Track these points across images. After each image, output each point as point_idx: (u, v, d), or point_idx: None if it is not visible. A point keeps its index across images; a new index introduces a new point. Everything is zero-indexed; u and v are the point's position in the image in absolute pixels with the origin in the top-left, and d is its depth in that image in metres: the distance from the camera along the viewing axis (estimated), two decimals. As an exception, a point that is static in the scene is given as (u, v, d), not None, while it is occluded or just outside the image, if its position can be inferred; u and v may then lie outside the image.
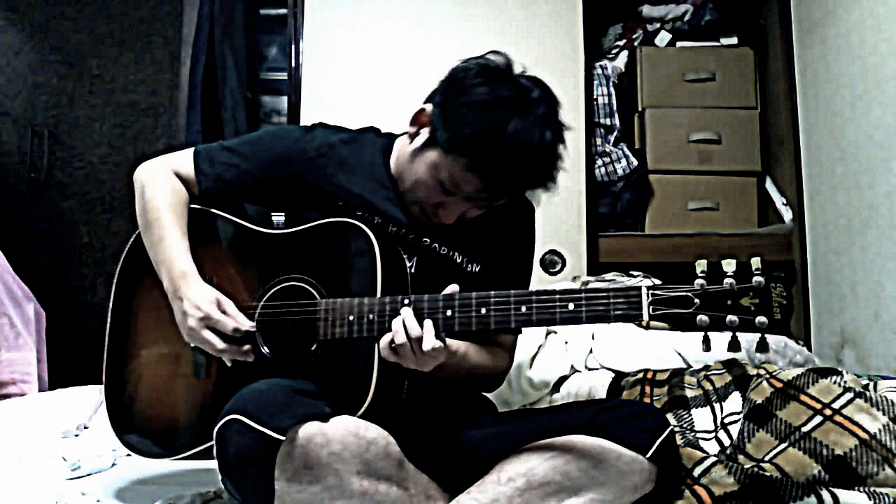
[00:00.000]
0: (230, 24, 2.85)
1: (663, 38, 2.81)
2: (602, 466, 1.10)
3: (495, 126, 1.16)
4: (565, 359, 1.86)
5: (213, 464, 1.61)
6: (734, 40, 2.80)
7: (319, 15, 2.64)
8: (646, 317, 1.03)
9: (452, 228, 1.31)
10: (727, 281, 1.01)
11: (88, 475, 1.60)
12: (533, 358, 1.88)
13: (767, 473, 1.24)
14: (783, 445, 1.30)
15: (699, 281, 1.02)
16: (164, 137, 3.03)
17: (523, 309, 1.09)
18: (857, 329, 2.17)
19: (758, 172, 2.71)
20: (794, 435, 1.29)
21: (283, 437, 0.99)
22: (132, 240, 1.44)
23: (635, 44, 2.83)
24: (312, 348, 1.21)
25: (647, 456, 1.11)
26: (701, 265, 1.03)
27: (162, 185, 1.34)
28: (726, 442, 1.45)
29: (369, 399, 1.14)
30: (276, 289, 1.28)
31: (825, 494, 1.20)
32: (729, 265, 1.02)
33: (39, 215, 2.96)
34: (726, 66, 2.74)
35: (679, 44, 2.80)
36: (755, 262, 1.02)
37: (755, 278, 1.01)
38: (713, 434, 1.49)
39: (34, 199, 2.96)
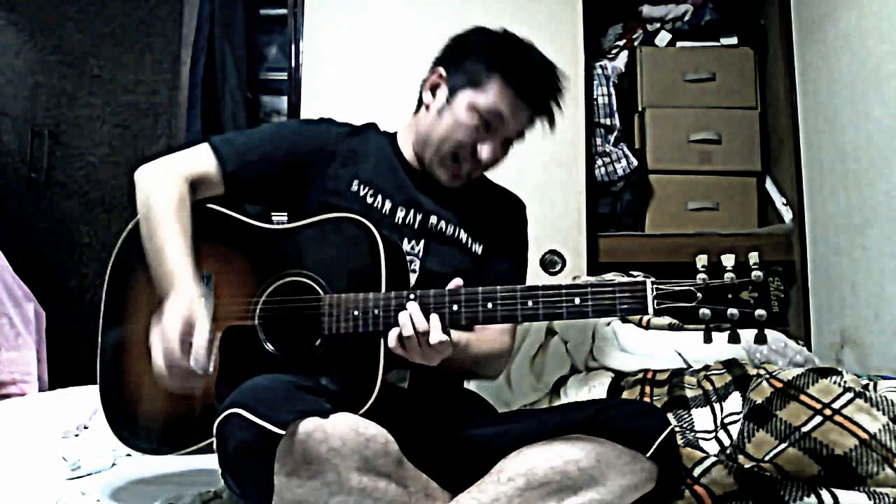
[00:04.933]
0: (230, 24, 2.85)
1: (663, 38, 2.81)
2: (602, 466, 1.10)
3: (519, 51, 1.41)
4: (565, 359, 1.86)
5: (212, 464, 1.61)
6: (734, 40, 2.80)
7: (319, 15, 2.64)
8: (650, 310, 1.06)
9: (458, 208, 1.40)
10: (727, 275, 1.05)
11: (88, 475, 1.60)
12: (533, 358, 1.88)
13: (767, 473, 1.24)
14: (783, 445, 1.30)
15: (701, 276, 1.06)
16: (164, 137, 3.03)
17: (529, 303, 1.11)
18: (857, 329, 2.17)
19: (758, 172, 2.71)
20: (794, 435, 1.29)
21: (284, 432, 0.99)
22: (125, 234, 1.41)
23: (635, 44, 2.83)
24: (317, 343, 1.21)
25: (648, 455, 1.11)
26: (701, 260, 1.07)
27: (166, 191, 1.30)
28: (726, 442, 1.45)
29: (375, 393, 1.14)
30: (277, 284, 1.27)
31: (825, 494, 1.20)
32: (728, 260, 1.06)
33: (39, 215, 2.96)
34: (726, 66, 2.74)
35: (679, 44, 2.80)
36: (753, 256, 1.06)
37: (754, 273, 1.04)
38: (713, 434, 1.49)
39: (34, 199, 2.96)
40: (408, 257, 1.35)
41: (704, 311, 1.04)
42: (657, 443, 1.12)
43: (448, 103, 1.36)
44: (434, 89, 1.41)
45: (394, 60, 2.59)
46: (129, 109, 3.03)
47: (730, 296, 1.04)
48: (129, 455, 1.76)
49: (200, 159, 1.36)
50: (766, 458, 1.31)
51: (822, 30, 2.36)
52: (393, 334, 1.14)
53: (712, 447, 1.45)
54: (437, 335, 1.11)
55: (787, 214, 2.60)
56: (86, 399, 2.05)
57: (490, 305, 1.13)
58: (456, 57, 1.41)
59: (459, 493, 1.14)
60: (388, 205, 1.37)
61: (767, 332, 1.88)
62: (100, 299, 1.43)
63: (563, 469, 1.10)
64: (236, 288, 1.28)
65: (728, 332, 1.06)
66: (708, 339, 1.07)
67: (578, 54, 2.61)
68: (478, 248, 1.42)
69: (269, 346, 1.24)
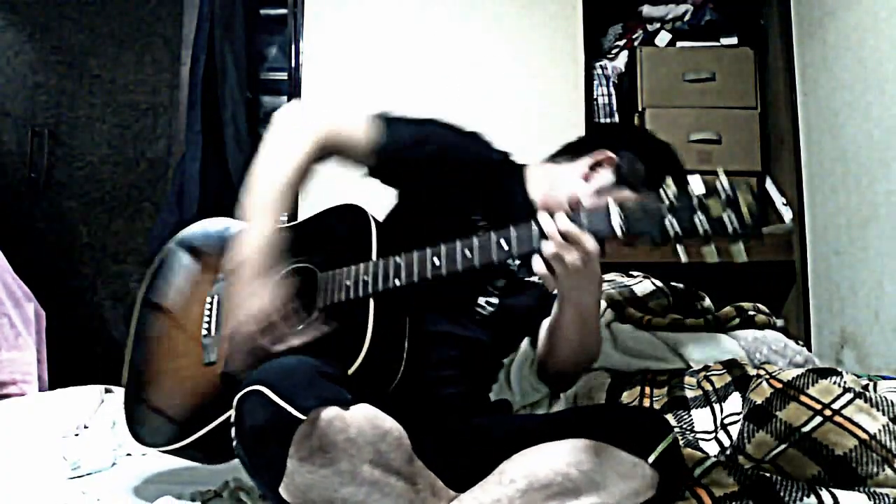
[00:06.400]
0: (230, 24, 2.85)
1: (663, 38, 2.81)
2: (603, 470, 1.09)
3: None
4: (565, 359, 1.86)
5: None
6: (734, 40, 2.79)
7: (319, 15, 2.64)
8: (619, 232, 1.03)
9: None
10: (694, 190, 0.99)
11: (88, 475, 1.60)
12: (534, 358, 1.88)
13: (767, 474, 1.24)
14: (783, 446, 1.30)
15: (669, 191, 1.01)
16: (163, 137, 3.03)
17: (503, 244, 1.12)
18: (857, 329, 2.17)
19: (758, 172, 2.70)
20: (794, 435, 1.29)
21: (304, 417, 1.00)
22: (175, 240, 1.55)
23: (635, 44, 2.83)
24: (312, 317, 1.24)
25: (650, 462, 1.10)
26: (669, 186, 1.01)
27: (295, 149, 1.27)
28: (726, 443, 1.45)
29: (362, 355, 1.15)
30: (281, 274, 1.30)
31: (825, 495, 1.20)
32: (696, 182, 1.00)
33: (39, 215, 2.96)
34: (726, 66, 2.73)
35: (679, 44, 2.79)
36: (720, 171, 1.00)
37: (719, 182, 0.99)
38: (713, 435, 1.49)
39: (34, 199, 2.96)
40: (491, 291, 1.37)
41: (671, 220, 0.99)
42: (659, 450, 1.11)
43: (609, 190, 1.32)
44: (597, 167, 1.38)
45: (393, 60, 2.59)
46: (129, 109, 3.04)
47: (698, 211, 0.98)
48: (129, 455, 1.76)
49: (359, 125, 1.33)
50: (766, 458, 1.31)
51: (822, 30, 2.36)
52: (538, 261, 1.09)
53: (712, 448, 1.45)
54: (590, 240, 1.05)
55: (787, 214, 2.59)
56: (86, 399, 2.05)
57: (468, 253, 1.14)
58: (630, 155, 1.36)
59: (463, 490, 1.14)
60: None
61: (767, 332, 1.90)
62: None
63: (564, 472, 1.09)
64: None
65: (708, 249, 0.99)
66: (685, 258, 1.00)
67: (578, 54, 2.61)
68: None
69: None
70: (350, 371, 1.14)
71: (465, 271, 1.15)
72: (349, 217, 1.31)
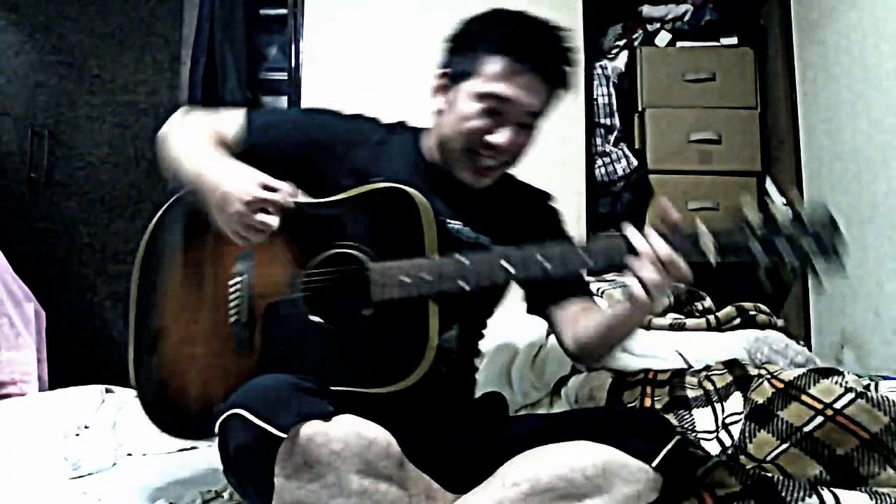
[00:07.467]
0: (230, 24, 2.85)
1: (663, 38, 2.82)
2: (606, 475, 1.09)
3: (508, 21, 1.32)
4: (566, 359, 1.86)
5: (213, 463, 1.61)
6: (734, 40, 2.80)
7: (319, 15, 2.64)
8: (711, 259, 1.07)
9: (477, 212, 1.33)
10: (780, 213, 1.07)
11: (89, 475, 1.60)
12: (534, 358, 1.88)
13: (769, 474, 1.24)
14: (785, 446, 1.30)
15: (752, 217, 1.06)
16: (164, 137, 3.02)
17: (590, 261, 1.11)
18: (857, 329, 2.17)
19: (758, 172, 2.71)
20: (796, 435, 1.30)
21: (285, 435, 1.00)
22: (164, 207, 1.39)
23: (635, 44, 2.84)
24: (367, 313, 1.19)
25: (653, 465, 1.10)
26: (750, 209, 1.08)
27: (193, 127, 1.33)
28: (728, 442, 1.45)
29: (430, 360, 1.13)
30: (321, 258, 1.24)
31: (826, 495, 1.20)
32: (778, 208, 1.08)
33: (39, 215, 2.96)
34: (726, 66, 2.74)
35: (679, 44, 2.80)
36: (796, 194, 1.06)
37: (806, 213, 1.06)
38: (714, 434, 1.50)
39: (34, 199, 2.95)
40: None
41: (757, 247, 1.05)
42: (662, 454, 1.11)
43: (454, 98, 1.29)
44: (439, 91, 1.35)
45: (394, 60, 2.59)
46: (129, 109, 3.03)
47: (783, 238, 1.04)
48: (129, 455, 1.76)
49: (230, 122, 1.36)
50: (768, 458, 1.31)
51: (822, 30, 2.36)
52: (637, 284, 1.08)
53: (714, 447, 1.45)
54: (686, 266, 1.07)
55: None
56: (86, 399, 2.05)
57: (548, 265, 1.11)
58: (451, 54, 1.34)
59: (462, 493, 1.14)
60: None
61: (769, 332, 1.90)
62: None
63: (568, 477, 1.09)
64: (279, 264, 1.24)
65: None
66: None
67: (578, 54, 2.60)
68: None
69: (316, 318, 1.21)
70: (411, 381, 1.12)
71: (537, 278, 1.12)
72: (398, 202, 1.21)
